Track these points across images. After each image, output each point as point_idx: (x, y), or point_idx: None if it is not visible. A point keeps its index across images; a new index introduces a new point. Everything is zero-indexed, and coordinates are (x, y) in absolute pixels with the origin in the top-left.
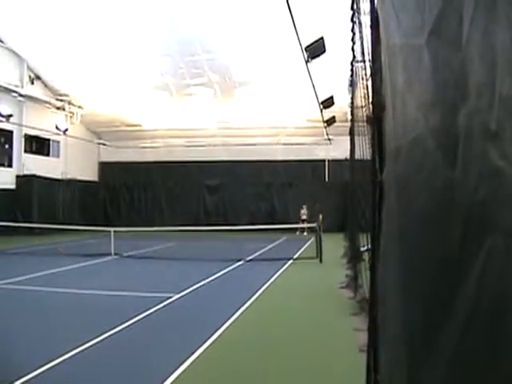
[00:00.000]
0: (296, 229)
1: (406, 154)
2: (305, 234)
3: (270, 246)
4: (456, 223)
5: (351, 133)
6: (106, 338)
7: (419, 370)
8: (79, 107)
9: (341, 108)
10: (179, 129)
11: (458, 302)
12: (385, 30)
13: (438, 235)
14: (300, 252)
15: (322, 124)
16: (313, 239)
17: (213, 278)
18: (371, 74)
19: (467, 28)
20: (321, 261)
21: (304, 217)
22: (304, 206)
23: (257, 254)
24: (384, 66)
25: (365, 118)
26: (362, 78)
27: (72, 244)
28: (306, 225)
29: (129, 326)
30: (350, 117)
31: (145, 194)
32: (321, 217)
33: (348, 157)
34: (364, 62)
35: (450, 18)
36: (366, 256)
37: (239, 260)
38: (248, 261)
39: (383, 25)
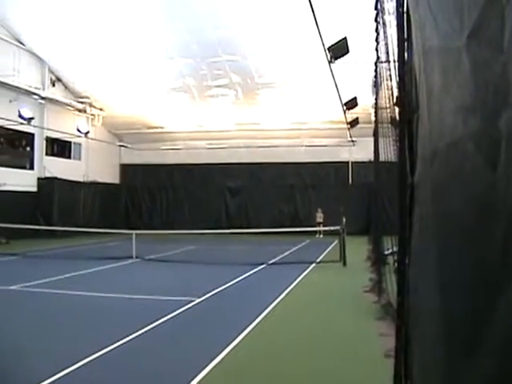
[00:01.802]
0: (317, 231)
1: (443, 157)
2: (320, 236)
3: (293, 248)
4: (498, 226)
5: (375, 134)
6: (127, 341)
7: (459, 374)
8: (100, 109)
9: (364, 109)
10: (201, 131)
11: (501, 304)
12: (419, 32)
13: (479, 238)
14: (323, 255)
15: (345, 125)
16: (336, 242)
17: (235, 281)
18: (400, 76)
19: (510, 30)
20: (344, 264)
21: (319, 220)
22: (319, 209)
23: (279, 257)
24: (418, 68)
25: (390, 120)
26: (387, 79)
27: (93, 247)
28: (321, 228)
29: (151, 329)
30: (373, 118)
31: (166, 197)
32: (344, 219)
33: (372, 159)
34: (388, 62)
35: (490, 20)
36: (390, 259)
37: (261, 264)
38: (270, 264)
39: (417, 27)
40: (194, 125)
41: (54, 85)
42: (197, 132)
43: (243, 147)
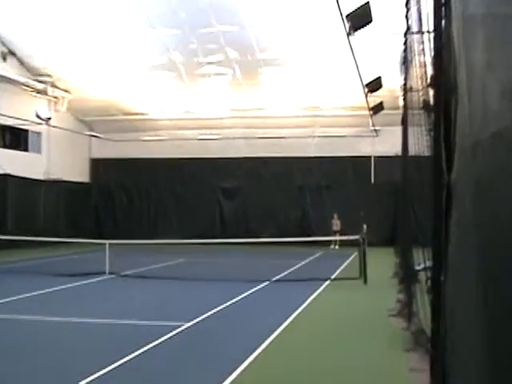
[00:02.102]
0: (332, 242)
1: (488, 149)
2: (335, 247)
3: (302, 262)
4: None
5: (404, 122)
6: (99, 377)
7: None
8: (65, 91)
9: (390, 92)
10: (190, 118)
11: None
12: None
13: None
14: (339, 271)
15: (366, 112)
16: (355, 255)
17: (231, 302)
18: (436, 50)
19: None
20: (365, 282)
21: (335, 227)
22: (334, 215)
23: (285, 272)
24: (456, 41)
25: (422, 104)
26: (419, 54)
27: (57, 260)
28: (337, 237)
29: (126, 363)
30: (402, 103)
31: (147, 199)
32: (365, 227)
33: (399, 152)
34: (422, 33)
35: None
36: (422, 276)
37: (264, 281)
38: (274, 281)
39: None
40: (182, 111)
41: (5, 59)
42: (185, 120)
43: (241, 138)
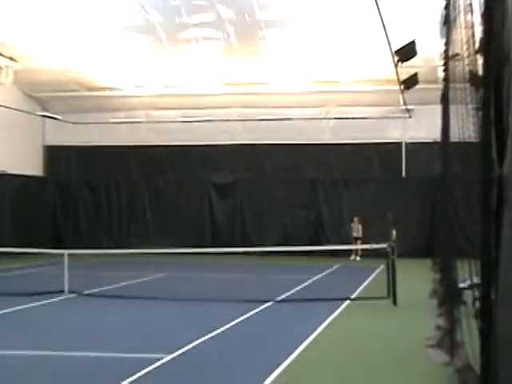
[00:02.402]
0: (352, 251)
1: None
2: (356, 258)
3: (314, 278)
4: None
5: (444, 100)
6: None
7: None
8: (10, 59)
9: (427, 61)
10: (172, 95)
11: None
12: None
13: None
14: (362, 288)
15: (396, 87)
16: (382, 268)
17: (223, 330)
18: (486, 7)
19: None
20: (395, 303)
21: (356, 233)
22: (355, 218)
23: (293, 290)
24: None
25: (468, 76)
26: (465, 11)
27: (2, 276)
28: (359, 246)
29: None
30: (442, 74)
31: (118, 197)
32: (394, 233)
33: (439, 138)
34: None
35: None
36: (469, 296)
37: (266, 301)
38: (280, 302)
39: None
40: (162, 85)
41: None
42: (165, 96)
43: (237, 120)
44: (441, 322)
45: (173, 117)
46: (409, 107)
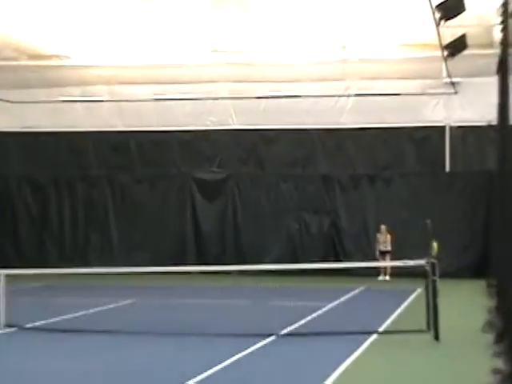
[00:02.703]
0: (380, 270)
1: None
2: (385, 278)
3: (330, 305)
4: None
5: (502, 70)
6: None
7: None
8: None
9: (479, 18)
10: (143, 66)
11: None
12: None
13: None
14: (392, 318)
15: (437, 53)
16: (419, 291)
17: (210, 373)
18: None
19: None
20: (437, 337)
21: (383, 246)
22: (382, 228)
23: (302, 321)
24: None
25: None
26: None
27: None
28: (387, 262)
29: None
30: (499, 36)
31: (72, 200)
32: (435, 246)
33: (495, 120)
34: None
35: None
36: None
37: (266, 336)
38: (284, 336)
39: None
40: (127, 52)
41: None
42: (134, 67)
43: (229, 98)
44: (499, 363)
45: (144, 94)
46: (454, 80)
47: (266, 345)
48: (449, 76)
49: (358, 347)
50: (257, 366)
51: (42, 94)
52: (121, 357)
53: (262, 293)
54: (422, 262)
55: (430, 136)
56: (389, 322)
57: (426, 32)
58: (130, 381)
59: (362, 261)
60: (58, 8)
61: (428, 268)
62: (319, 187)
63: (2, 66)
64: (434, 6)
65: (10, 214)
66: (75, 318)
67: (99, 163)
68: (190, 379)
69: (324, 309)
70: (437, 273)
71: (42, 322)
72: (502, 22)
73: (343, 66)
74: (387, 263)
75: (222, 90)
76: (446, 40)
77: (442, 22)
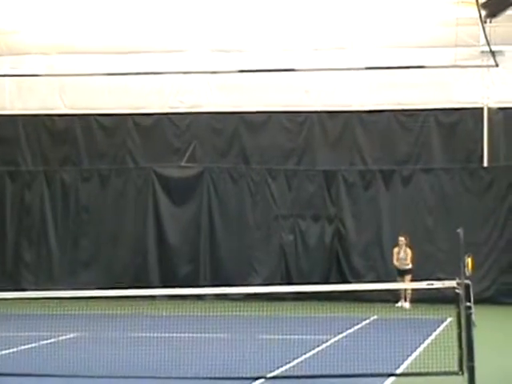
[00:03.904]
0: (398, 294)
1: None
2: (405, 305)
3: (335, 339)
4: None
5: None
6: None
7: None
8: None
9: None
10: (89, 31)
11: None
12: None
13: None
14: (415, 357)
15: (473, 14)
16: (449, 321)
17: None
18: None
19: None
20: (472, 382)
21: (403, 264)
22: (401, 240)
23: (299, 360)
24: None
25: None
26: None
27: None
28: (407, 284)
29: None
30: None
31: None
32: (469, 262)
33: None
34: None
35: None
36: None
37: (254, 378)
38: (276, 379)
39: None
40: (71, 14)
41: None
42: (78, 34)
43: (205, 72)
44: None
45: (92, 67)
46: (495, 48)
47: None
48: (487, 43)
49: None
50: None
51: None
52: None
53: (247, 323)
54: (452, 283)
55: (462, 120)
56: (410, 361)
57: None
58: None
59: (375, 282)
60: None
61: (460, 291)
62: (319, 186)
63: None
64: None
65: None
66: (4, 355)
67: (34, 156)
68: None
69: (326, 344)
70: (471, 297)
71: None
72: None
73: (351, 32)
74: (407, 285)
75: (195, 61)
76: None
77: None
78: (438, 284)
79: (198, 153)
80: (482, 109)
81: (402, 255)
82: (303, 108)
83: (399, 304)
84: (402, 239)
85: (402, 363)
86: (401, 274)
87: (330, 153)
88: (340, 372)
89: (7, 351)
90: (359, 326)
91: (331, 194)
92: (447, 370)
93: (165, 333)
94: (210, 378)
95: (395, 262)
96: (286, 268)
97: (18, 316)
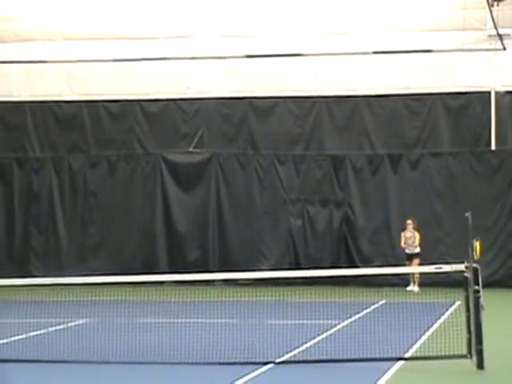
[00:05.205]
0: (407, 278)
1: None
2: (414, 288)
3: (344, 323)
4: None
5: None
6: None
7: None
8: None
9: None
10: (96, 17)
11: None
12: None
13: None
14: (423, 341)
15: None
16: (458, 305)
17: None
18: None
19: None
20: (480, 365)
21: (410, 248)
22: (409, 223)
23: (308, 345)
24: None
25: None
26: None
27: None
28: (415, 267)
29: None
30: None
31: (7, 190)
32: (477, 246)
33: None
34: None
35: None
36: None
37: (263, 363)
38: (285, 363)
39: None
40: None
41: None
42: (85, 20)
43: (212, 58)
44: None
45: (99, 53)
46: (502, 32)
47: (260, 375)
48: (495, 27)
49: (379, 378)
50: None
51: None
52: None
53: (255, 308)
54: (461, 267)
55: (470, 104)
56: (419, 345)
57: None
58: None
59: (383, 266)
60: None
61: (469, 275)
62: (327, 171)
63: None
64: None
65: None
66: (7, 344)
67: (42, 143)
68: None
69: (335, 328)
70: (480, 281)
71: None
72: None
73: (358, 17)
74: (416, 269)
75: (203, 46)
76: None
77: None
78: (446, 268)
79: (205, 138)
80: (489, 92)
81: (410, 237)
82: (311, 93)
83: (409, 288)
84: (409, 222)
85: (411, 347)
86: (409, 257)
87: (338, 138)
88: (349, 356)
89: (17, 337)
90: (368, 310)
91: (339, 178)
92: (456, 353)
93: (173, 318)
94: (219, 363)
95: (403, 245)
96: (294, 253)
97: (27, 302)
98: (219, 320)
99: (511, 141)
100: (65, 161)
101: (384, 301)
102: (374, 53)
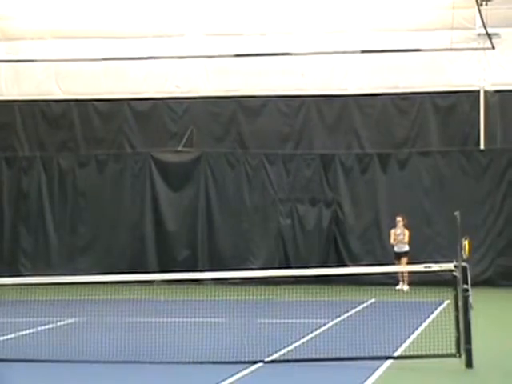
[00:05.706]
0: (396, 277)
1: None
2: (403, 287)
3: (333, 322)
4: None
5: None
6: None
7: None
8: None
9: None
10: (85, 16)
11: None
12: None
13: None
14: (412, 340)
15: None
16: (447, 304)
17: None
18: None
19: None
20: (469, 364)
21: (400, 247)
22: (399, 220)
23: (297, 344)
24: None
25: None
26: None
27: None
28: (404, 266)
29: None
30: None
31: None
32: (466, 245)
33: None
34: None
35: None
36: None
37: (252, 362)
38: (273, 362)
39: None
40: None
41: None
42: (74, 19)
43: (201, 57)
44: None
45: (88, 52)
46: (491, 31)
47: (249, 374)
48: (483, 26)
49: (368, 376)
50: None
51: None
52: None
53: (245, 307)
54: (450, 266)
55: (459, 103)
56: (408, 343)
57: None
58: None
59: (373, 265)
60: None
61: (458, 274)
62: (316, 170)
63: None
64: None
65: None
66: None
67: (31, 142)
68: None
69: (325, 327)
70: (469, 280)
71: None
72: None
73: (348, 15)
74: (404, 268)
75: (191, 45)
76: None
77: None
78: (435, 267)
79: (195, 138)
80: (478, 92)
81: (400, 234)
82: (300, 92)
83: (398, 287)
84: (399, 219)
85: (400, 346)
86: (397, 256)
87: (327, 137)
88: (338, 355)
89: (5, 337)
90: (357, 309)
91: (328, 177)
92: (445, 352)
93: (163, 317)
94: (209, 362)
95: (392, 242)
96: (283, 252)
97: (16, 302)
98: (208, 319)
99: (500, 140)
100: (54, 160)
101: (373, 300)
102: (363, 52)
